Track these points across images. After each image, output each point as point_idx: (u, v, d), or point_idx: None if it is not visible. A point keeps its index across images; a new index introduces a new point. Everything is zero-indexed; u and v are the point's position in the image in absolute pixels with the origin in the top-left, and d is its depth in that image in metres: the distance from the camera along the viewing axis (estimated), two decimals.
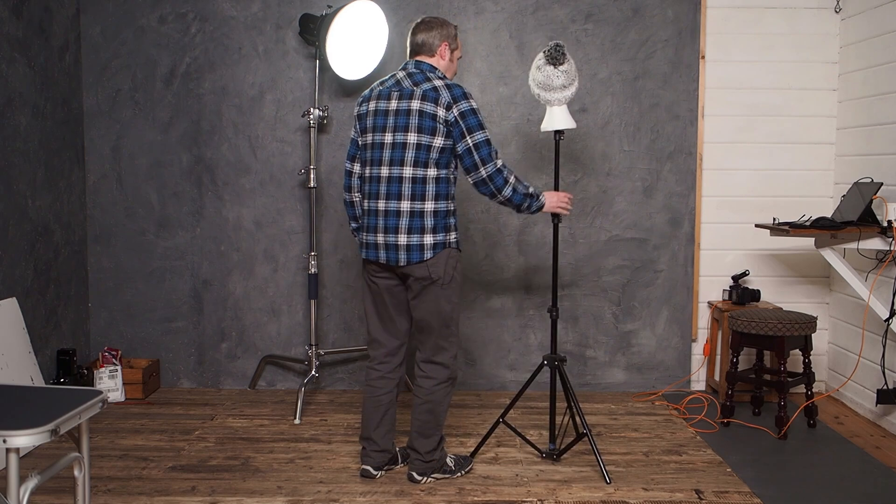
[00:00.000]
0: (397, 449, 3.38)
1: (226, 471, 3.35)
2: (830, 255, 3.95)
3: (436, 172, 3.04)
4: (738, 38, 4.46)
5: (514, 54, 4.46)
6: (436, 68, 3.12)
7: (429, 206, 3.04)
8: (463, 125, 3.01)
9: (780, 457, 3.56)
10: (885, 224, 3.72)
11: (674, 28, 4.43)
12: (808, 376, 3.89)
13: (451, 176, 3.10)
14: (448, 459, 3.29)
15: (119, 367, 4.29)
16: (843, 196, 4.06)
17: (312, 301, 4.28)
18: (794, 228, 3.86)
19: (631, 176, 4.50)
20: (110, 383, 4.26)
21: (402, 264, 3.06)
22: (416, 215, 3.03)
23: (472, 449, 3.60)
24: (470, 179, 3.09)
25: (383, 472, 3.29)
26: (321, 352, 4.36)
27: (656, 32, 4.44)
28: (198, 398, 4.40)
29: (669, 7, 4.42)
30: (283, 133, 4.48)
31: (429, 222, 3.04)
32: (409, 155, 3.02)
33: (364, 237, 3.15)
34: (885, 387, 3.88)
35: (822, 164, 4.52)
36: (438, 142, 3.01)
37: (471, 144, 3.01)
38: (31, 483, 2.10)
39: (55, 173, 4.17)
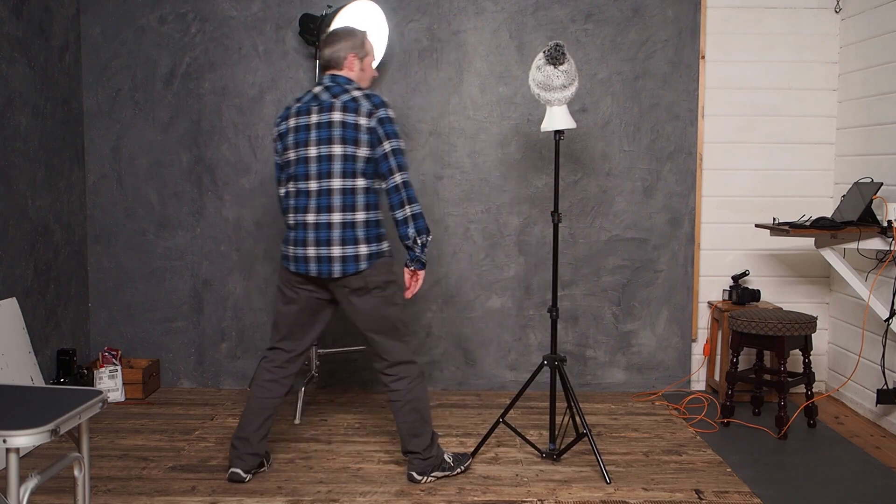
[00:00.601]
0: (266, 451, 3.34)
1: (226, 471, 3.35)
2: (830, 255, 3.95)
3: (364, 183, 3.05)
4: (738, 38, 4.47)
5: (514, 54, 4.46)
6: (351, 80, 3.14)
7: (360, 216, 3.05)
8: (381, 131, 3.04)
9: (780, 457, 3.56)
10: (885, 224, 3.72)
11: (674, 28, 4.43)
12: (808, 376, 3.89)
13: (379, 186, 3.13)
14: (446, 456, 3.29)
15: (119, 367, 4.29)
16: (843, 196, 4.06)
17: None
18: (794, 228, 3.86)
19: (631, 176, 4.50)
20: (110, 383, 4.26)
21: (336, 276, 3.06)
22: (349, 226, 3.04)
23: (472, 449, 3.60)
24: (384, 185, 3.08)
25: (251, 476, 3.25)
26: (321, 352, 4.36)
27: (656, 32, 4.44)
28: (198, 398, 4.40)
29: (669, 7, 4.42)
30: None
31: (361, 233, 3.05)
32: (337, 167, 3.03)
33: (291, 251, 3.11)
34: (885, 387, 3.88)
35: (822, 164, 4.52)
36: (363, 152, 3.03)
37: (388, 150, 3.04)
38: (31, 483, 2.10)
39: (55, 173, 4.17)
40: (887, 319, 3.79)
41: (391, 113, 3.07)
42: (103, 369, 4.25)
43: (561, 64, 3.31)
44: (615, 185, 4.50)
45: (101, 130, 4.49)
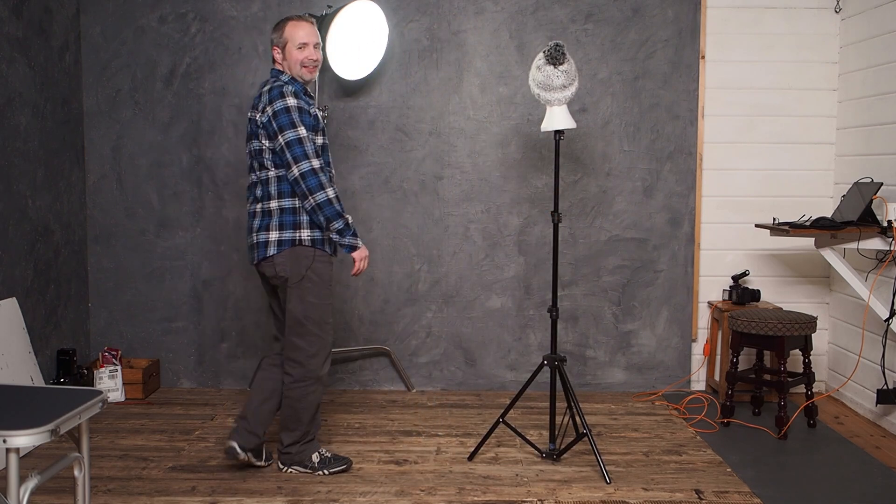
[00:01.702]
0: (265, 445, 3.40)
1: (226, 471, 3.35)
2: (830, 255, 3.95)
3: (275, 172, 3.14)
4: (738, 38, 4.46)
5: (514, 54, 4.46)
6: (281, 71, 3.21)
7: (273, 204, 3.15)
8: (275, 124, 3.08)
9: (780, 457, 3.56)
10: (885, 224, 3.72)
11: (674, 28, 4.43)
12: (808, 376, 3.89)
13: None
14: (314, 455, 3.31)
15: (119, 367, 4.29)
16: (843, 196, 4.06)
17: None
18: (794, 228, 3.86)
19: (631, 176, 4.50)
20: (110, 383, 4.26)
21: (254, 262, 3.23)
22: (265, 214, 3.18)
23: (472, 449, 3.60)
24: (288, 177, 3.12)
25: (247, 456, 3.28)
26: None
27: (656, 32, 4.44)
28: (198, 398, 4.40)
29: (669, 7, 4.42)
30: None
31: (275, 220, 3.15)
32: (256, 160, 3.20)
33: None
34: (885, 387, 3.88)
35: (822, 164, 4.52)
36: (266, 143, 3.13)
37: (282, 143, 3.08)
38: (31, 483, 2.10)
39: (55, 173, 4.17)
40: (887, 319, 3.79)
41: (290, 102, 3.07)
42: (103, 369, 4.25)
43: (561, 64, 3.31)
44: (615, 185, 4.50)
45: (101, 130, 4.49)
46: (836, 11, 4.43)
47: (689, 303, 4.55)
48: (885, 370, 3.92)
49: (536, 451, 3.57)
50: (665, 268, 4.53)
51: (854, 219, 3.80)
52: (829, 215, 4.34)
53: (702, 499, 3.09)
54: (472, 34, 4.45)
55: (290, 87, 3.12)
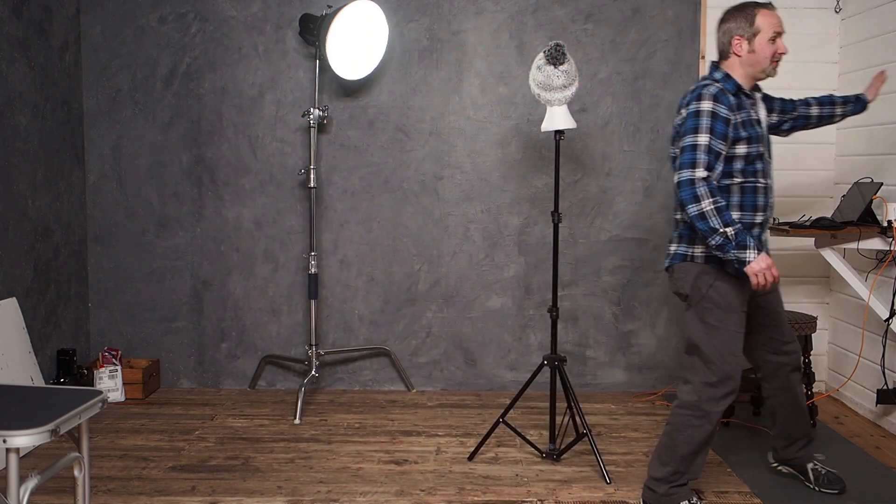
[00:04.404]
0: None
1: (226, 471, 3.35)
2: (830, 255, 3.94)
3: (677, 178, 2.80)
4: None
5: (514, 54, 4.46)
6: (716, 67, 2.98)
7: (678, 214, 2.93)
8: (683, 128, 2.82)
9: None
10: (885, 224, 3.72)
11: (674, 28, 4.43)
12: (808, 376, 3.89)
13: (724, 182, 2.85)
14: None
15: (119, 367, 4.29)
16: (843, 196, 4.06)
17: (312, 301, 4.28)
18: (794, 228, 3.86)
19: (631, 176, 4.50)
20: (110, 383, 4.26)
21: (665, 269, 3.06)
22: (675, 223, 2.98)
23: (472, 449, 3.60)
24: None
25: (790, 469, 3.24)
26: (321, 352, 4.36)
27: (656, 32, 4.44)
28: (198, 398, 4.40)
29: (669, 7, 4.42)
30: (283, 133, 4.48)
31: (677, 231, 2.94)
32: (672, 165, 2.98)
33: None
34: (885, 387, 3.88)
35: (822, 164, 4.52)
36: (671, 147, 2.94)
37: (680, 148, 2.80)
38: (31, 483, 2.10)
39: (55, 173, 4.17)
40: (887, 319, 3.79)
41: (703, 106, 2.75)
42: (103, 369, 4.25)
43: (561, 64, 3.31)
44: (615, 185, 4.50)
45: (101, 130, 4.49)
46: (836, 11, 4.43)
47: None
48: (885, 370, 3.92)
49: (536, 451, 3.57)
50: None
51: (854, 219, 3.80)
52: (829, 215, 4.33)
53: (702, 499, 3.09)
54: (472, 34, 4.45)
55: (712, 90, 2.78)
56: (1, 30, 3.67)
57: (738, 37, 2.88)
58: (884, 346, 3.90)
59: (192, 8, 4.43)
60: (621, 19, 4.43)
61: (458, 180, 4.50)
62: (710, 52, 4.46)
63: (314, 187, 4.24)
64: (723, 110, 2.76)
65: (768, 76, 2.93)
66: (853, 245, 3.82)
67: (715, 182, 2.75)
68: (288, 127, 4.48)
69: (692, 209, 2.70)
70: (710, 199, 2.68)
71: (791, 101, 3.26)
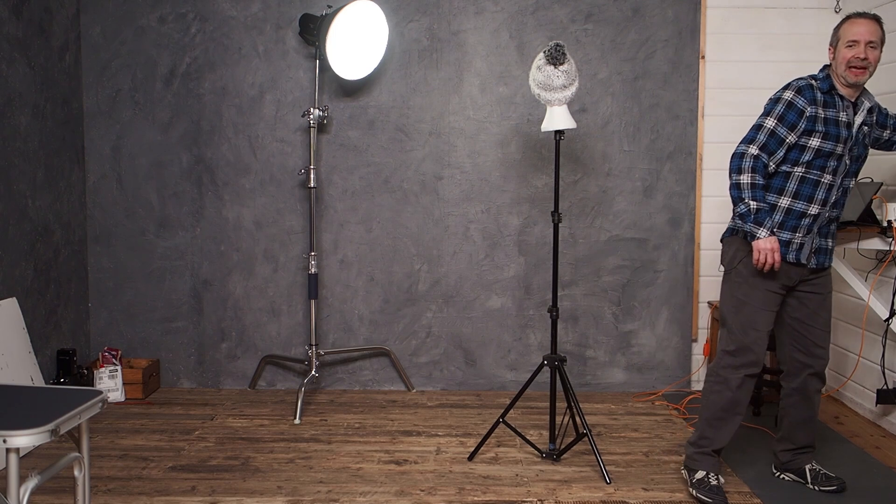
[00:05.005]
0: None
1: (226, 471, 3.35)
2: None
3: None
4: (738, 38, 4.46)
5: (514, 54, 4.46)
6: (823, 68, 3.09)
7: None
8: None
9: None
10: (885, 224, 3.72)
11: (674, 28, 4.43)
12: None
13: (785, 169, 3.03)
14: (700, 472, 3.11)
15: (119, 367, 4.29)
16: None
17: (312, 301, 4.28)
18: None
19: (631, 176, 4.50)
20: (110, 383, 4.26)
21: None
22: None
23: (472, 449, 3.60)
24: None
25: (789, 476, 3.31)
26: (321, 352, 4.37)
27: (656, 32, 4.44)
28: (198, 398, 4.40)
29: (669, 7, 4.42)
30: (283, 133, 4.48)
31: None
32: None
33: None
34: (885, 387, 3.88)
35: None
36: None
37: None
38: (31, 483, 2.10)
39: (55, 173, 4.17)
40: (887, 319, 3.79)
41: (784, 95, 2.98)
42: (103, 369, 4.25)
43: (561, 64, 3.31)
44: (615, 185, 4.50)
45: (101, 130, 4.49)
46: (836, 11, 4.43)
47: (689, 303, 4.55)
48: (885, 370, 3.92)
49: (536, 451, 3.57)
50: (665, 268, 4.53)
51: (854, 219, 3.80)
52: None
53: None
54: (472, 34, 4.45)
55: (801, 83, 3.00)
56: (1, 30, 3.67)
57: (831, 45, 3.08)
58: (884, 346, 3.90)
59: (192, 8, 4.43)
60: (621, 19, 4.43)
61: (458, 180, 4.51)
62: (710, 52, 4.47)
63: (314, 187, 4.24)
64: (800, 101, 2.96)
65: (847, 81, 2.99)
66: (853, 245, 3.82)
67: (773, 166, 3.00)
68: (288, 127, 4.48)
69: (733, 177, 2.99)
70: (750, 175, 2.96)
71: None
